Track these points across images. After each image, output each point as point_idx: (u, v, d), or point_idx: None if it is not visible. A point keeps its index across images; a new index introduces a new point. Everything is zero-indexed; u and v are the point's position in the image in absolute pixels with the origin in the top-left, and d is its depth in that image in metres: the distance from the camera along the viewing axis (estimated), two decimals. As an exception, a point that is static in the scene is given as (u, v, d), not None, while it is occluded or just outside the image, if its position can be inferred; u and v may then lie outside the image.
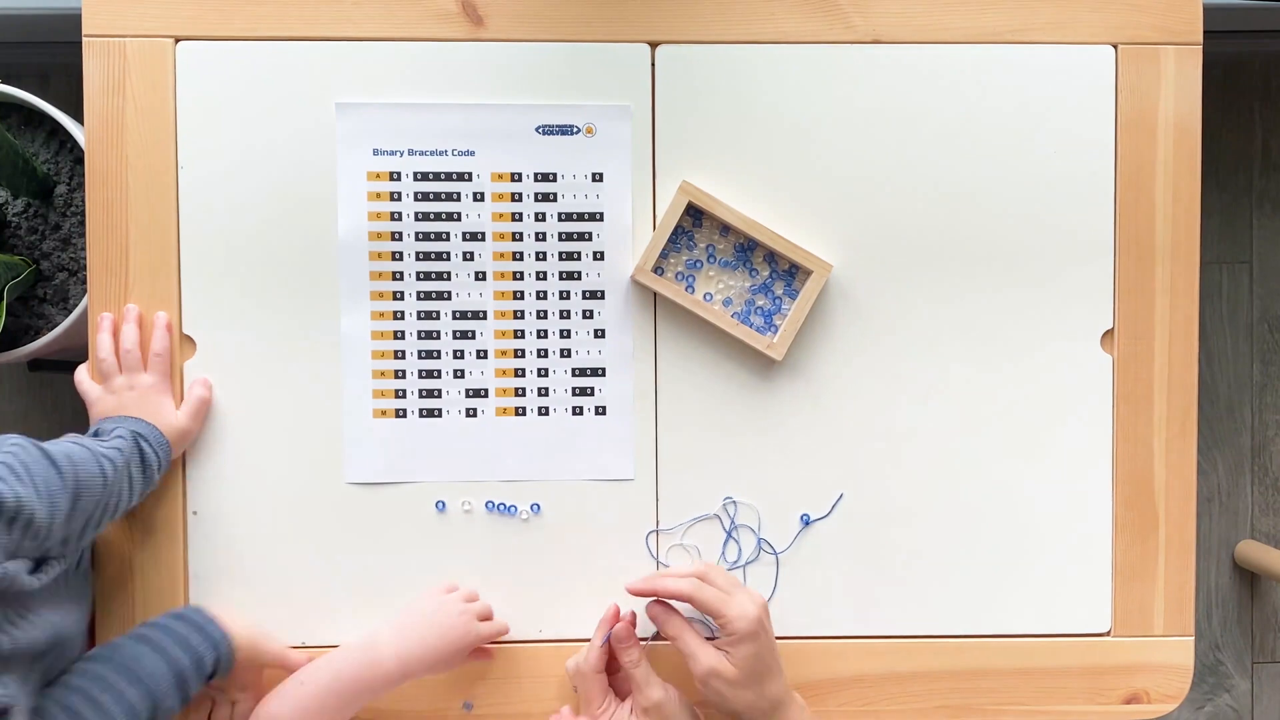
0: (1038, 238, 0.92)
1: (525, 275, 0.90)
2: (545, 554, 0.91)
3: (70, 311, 1.16)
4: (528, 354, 0.91)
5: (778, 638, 0.85)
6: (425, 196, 0.90)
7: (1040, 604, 0.93)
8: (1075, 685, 0.93)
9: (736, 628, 0.81)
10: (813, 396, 0.92)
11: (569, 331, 0.91)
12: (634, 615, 0.87)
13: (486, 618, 0.89)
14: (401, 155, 0.89)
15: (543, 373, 0.91)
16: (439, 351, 0.90)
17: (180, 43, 0.88)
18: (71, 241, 1.17)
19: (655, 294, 0.91)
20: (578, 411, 0.91)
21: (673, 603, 0.85)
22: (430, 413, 0.90)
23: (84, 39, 0.88)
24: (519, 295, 0.90)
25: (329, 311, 0.90)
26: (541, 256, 0.90)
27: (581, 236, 0.90)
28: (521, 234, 0.90)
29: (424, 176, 0.90)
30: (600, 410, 0.91)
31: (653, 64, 0.90)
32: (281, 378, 0.89)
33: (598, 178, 0.90)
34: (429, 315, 0.90)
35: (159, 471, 0.84)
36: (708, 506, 0.92)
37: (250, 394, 0.89)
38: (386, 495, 0.90)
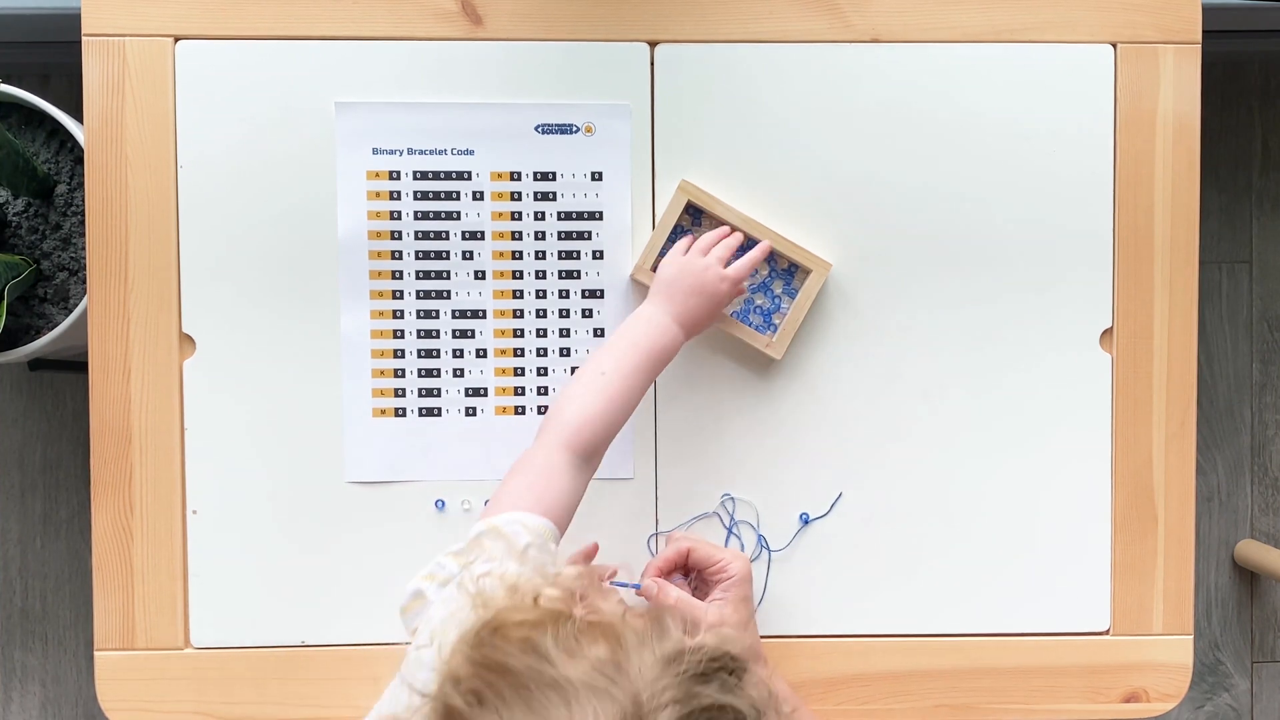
0: (1037, 237, 0.92)
1: (524, 274, 0.90)
2: (545, 553, 0.91)
3: (70, 311, 1.16)
4: (527, 353, 0.91)
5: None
6: (424, 196, 0.90)
7: (1039, 603, 0.93)
8: (1074, 684, 0.93)
9: (735, 568, 0.83)
10: (812, 395, 0.92)
11: (568, 330, 0.91)
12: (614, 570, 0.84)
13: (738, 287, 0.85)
14: (401, 155, 0.89)
15: (542, 372, 0.91)
16: (438, 351, 0.90)
17: (180, 42, 0.88)
18: (71, 241, 1.17)
19: (655, 293, 0.91)
20: (577, 411, 0.91)
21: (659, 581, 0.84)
22: (430, 412, 0.90)
23: (84, 39, 0.88)
24: (518, 294, 0.91)
25: (329, 311, 0.90)
26: (541, 256, 0.90)
27: (581, 236, 0.90)
28: (521, 233, 0.90)
29: (423, 176, 0.90)
30: (600, 409, 0.91)
31: (652, 63, 0.91)
32: (281, 377, 0.89)
33: (597, 177, 0.90)
34: (428, 315, 0.90)
35: None
36: (707, 505, 0.92)
37: (250, 394, 0.89)
38: (386, 495, 0.90)
